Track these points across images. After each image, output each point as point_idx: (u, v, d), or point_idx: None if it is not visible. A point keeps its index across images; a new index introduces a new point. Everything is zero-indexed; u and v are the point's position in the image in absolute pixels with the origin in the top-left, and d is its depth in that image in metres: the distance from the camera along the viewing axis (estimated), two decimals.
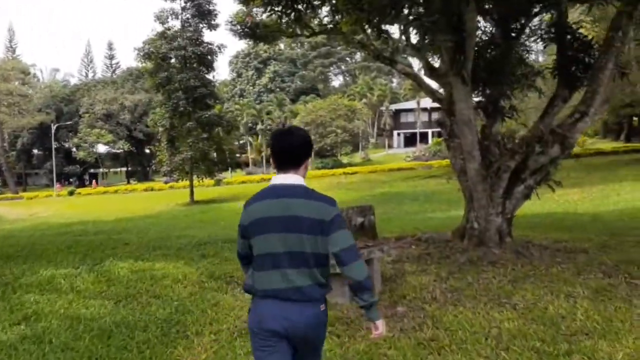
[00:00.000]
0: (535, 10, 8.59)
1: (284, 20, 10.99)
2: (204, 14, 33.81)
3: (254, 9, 12.01)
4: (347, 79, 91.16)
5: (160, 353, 4.66)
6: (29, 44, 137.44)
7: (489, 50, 8.76)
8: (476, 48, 8.07)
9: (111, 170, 74.32)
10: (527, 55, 9.52)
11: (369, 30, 10.69)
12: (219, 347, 4.74)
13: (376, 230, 9.42)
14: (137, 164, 74.02)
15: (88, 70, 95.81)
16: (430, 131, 62.53)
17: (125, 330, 5.19)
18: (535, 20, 9.31)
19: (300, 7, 10.04)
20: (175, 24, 34.22)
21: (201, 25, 34.10)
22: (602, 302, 5.45)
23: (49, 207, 39.74)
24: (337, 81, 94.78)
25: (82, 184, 68.26)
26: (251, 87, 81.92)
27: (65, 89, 79.02)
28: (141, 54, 33.13)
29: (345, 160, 54.47)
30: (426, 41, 7.84)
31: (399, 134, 68.96)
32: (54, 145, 60.98)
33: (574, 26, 8.52)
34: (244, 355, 4.52)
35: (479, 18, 8.45)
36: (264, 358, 2.71)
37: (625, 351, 4.26)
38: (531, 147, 7.89)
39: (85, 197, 49.01)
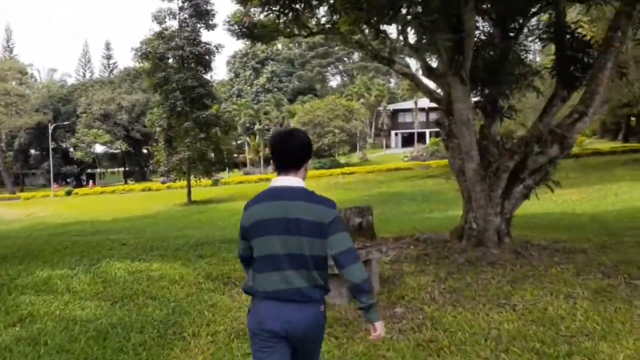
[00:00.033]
0: (534, 10, 8.57)
1: (281, 20, 10.95)
2: (202, 14, 33.72)
3: (252, 9, 11.96)
4: (345, 79, 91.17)
5: (157, 355, 4.62)
6: (27, 44, 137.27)
7: (487, 50, 8.72)
8: (475, 48, 8.03)
9: (108, 170, 74.21)
10: (525, 55, 9.50)
11: (366, 30, 10.67)
12: (216, 348, 4.69)
13: (374, 231, 9.39)
14: (135, 164, 73.91)
15: (85, 70, 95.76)
16: (427, 131, 62.56)
17: (121, 331, 5.14)
18: (534, 20, 9.30)
19: (298, 6, 10.00)
20: (173, 24, 34.18)
21: (199, 25, 34.02)
22: (602, 303, 5.42)
23: (46, 207, 39.65)
24: (334, 81, 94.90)
25: (79, 184, 68.12)
26: (249, 87, 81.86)
27: (62, 89, 78.86)
28: (139, 54, 33.05)
29: (342, 160, 54.44)
30: (424, 41, 7.81)
31: (396, 134, 68.98)
32: (51, 145, 60.84)
33: (572, 26, 8.49)
34: (241, 357, 4.48)
35: (478, 18, 8.42)
36: (264, 359, 2.71)
37: (626, 352, 4.23)
38: (530, 147, 7.86)
39: (82, 197, 48.90)
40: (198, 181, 36.09)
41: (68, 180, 70.64)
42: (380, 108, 69.44)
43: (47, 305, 6.06)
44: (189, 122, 32.72)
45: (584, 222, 12.23)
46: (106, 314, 5.73)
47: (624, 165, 28.68)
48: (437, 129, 9.73)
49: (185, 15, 33.83)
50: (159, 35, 33.40)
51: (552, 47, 9.14)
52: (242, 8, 12.28)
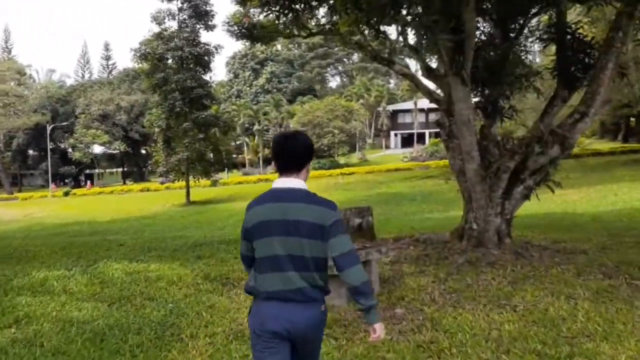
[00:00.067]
0: (534, 10, 8.53)
1: (281, 21, 10.91)
2: (201, 15, 33.72)
3: (251, 10, 11.92)
4: (345, 79, 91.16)
5: (154, 357, 4.57)
6: (25, 44, 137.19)
7: (488, 51, 8.68)
8: (475, 48, 7.99)
9: (107, 170, 74.11)
10: (525, 56, 9.47)
11: (366, 31, 10.62)
12: (214, 350, 4.64)
13: (374, 231, 9.34)
14: (133, 165, 73.84)
15: (84, 71, 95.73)
16: (427, 132, 62.56)
17: (118, 333, 5.10)
18: (534, 21, 9.26)
19: (297, 7, 9.95)
20: (172, 25, 34.21)
21: (198, 26, 34.01)
22: (603, 304, 5.37)
23: (43, 207, 39.57)
24: (334, 82, 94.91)
25: (77, 185, 67.98)
26: (248, 88, 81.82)
27: (61, 89, 78.72)
28: (138, 54, 33.04)
29: (342, 160, 54.39)
30: (424, 41, 7.76)
31: (396, 135, 68.96)
32: (50, 145, 60.75)
33: (573, 26, 8.45)
34: (239, 359, 4.43)
35: (478, 18, 8.38)
36: (264, 359, 2.73)
37: (628, 354, 4.19)
38: (531, 148, 7.82)
39: (80, 197, 48.83)
40: (197, 182, 36.07)
41: (66, 180, 70.53)
42: (380, 109, 69.41)
43: (44, 307, 6.01)
44: (188, 122, 32.71)
45: (584, 223, 12.18)
46: (103, 315, 5.68)
47: (623, 165, 28.68)
48: (436, 130, 9.70)
49: (185, 16, 33.83)
50: (158, 36, 33.38)
51: (553, 48, 9.11)
52: (241, 9, 12.24)
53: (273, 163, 2.89)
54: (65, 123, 66.09)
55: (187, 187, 34.80)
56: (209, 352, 4.61)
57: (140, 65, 35.86)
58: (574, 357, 4.18)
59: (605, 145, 43.35)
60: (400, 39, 10.23)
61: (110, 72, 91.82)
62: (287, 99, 73.04)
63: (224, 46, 72.92)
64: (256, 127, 66.05)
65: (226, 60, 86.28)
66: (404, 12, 7.81)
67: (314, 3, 10.10)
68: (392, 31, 10.16)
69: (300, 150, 2.79)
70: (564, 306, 5.34)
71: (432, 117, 56.03)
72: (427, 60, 10.06)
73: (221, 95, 70.81)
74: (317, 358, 2.93)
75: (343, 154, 57.35)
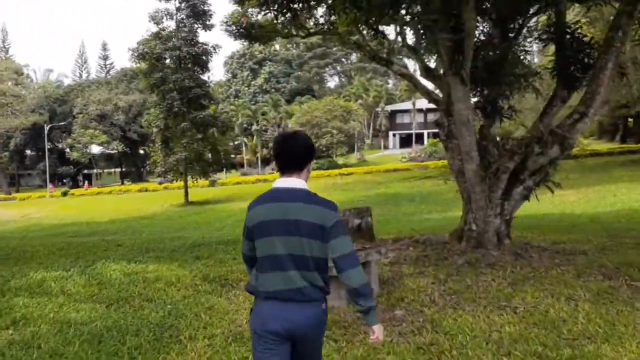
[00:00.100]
0: (533, 10, 8.52)
1: (279, 21, 10.88)
2: (199, 15, 33.66)
3: (249, 10, 11.91)
4: (343, 79, 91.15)
5: (153, 359, 4.53)
6: (23, 44, 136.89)
7: (487, 51, 8.66)
8: (474, 48, 7.97)
9: (105, 171, 73.96)
10: (524, 56, 9.44)
11: (365, 31, 10.61)
12: (213, 352, 4.61)
13: (373, 232, 9.32)
14: (131, 165, 73.72)
15: (82, 71, 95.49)
16: (425, 132, 62.55)
17: (116, 334, 5.05)
18: (533, 21, 9.24)
19: (296, 6, 9.92)
20: (170, 25, 34.15)
21: (196, 26, 33.96)
22: (604, 305, 5.35)
23: (41, 208, 39.49)
24: (332, 82, 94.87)
25: (75, 185, 67.87)
26: (246, 88, 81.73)
27: (58, 89, 78.53)
28: (135, 54, 32.96)
29: (340, 161, 54.34)
30: (424, 41, 7.74)
31: (394, 135, 68.93)
32: (47, 145, 60.60)
33: (572, 26, 8.44)
34: None
35: (477, 18, 8.35)
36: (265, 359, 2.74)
37: (630, 356, 4.17)
38: (530, 148, 7.80)
39: (78, 197, 48.73)
40: (195, 182, 36.00)
41: (64, 181, 70.41)
42: (378, 109, 69.36)
43: (41, 308, 5.97)
44: (186, 122, 32.65)
45: (583, 223, 12.17)
46: (101, 316, 5.64)
47: (621, 166, 28.70)
48: (435, 130, 9.68)
49: (183, 16, 33.77)
50: (156, 36, 33.33)
51: (551, 48, 9.09)
52: (239, 8, 12.22)
53: (274, 163, 2.91)
54: (63, 123, 65.94)
55: (186, 187, 34.73)
56: (207, 354, 4.57)
57: (138, 65, 35.77)
58: None
59: (603, 145, 43.38)
60: (399, 39, 10.22)
61: (108, 71, 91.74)
62: (285, 99, 72.98)
63: (222, 46, 72.70)
64: (254, 127, 65.98)
65: (224, 60, 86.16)
66: (403, 11, 7.79)
67: (312, 2, 10.07)
68: (390, 31, 10.17)
69: (301, 150, 2.81)
70: (564, 308, 5.32)
71: (431, 117, 55.98)
72: (426, 60, 10.04)
73: (219, 95, 70.74)
74: (319, 359, 2.93)
75: (341, 154, 57.30)
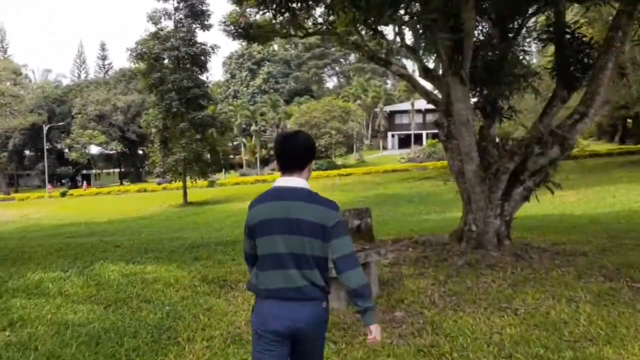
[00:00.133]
0: (532, 10, 8.49)
1: (278, 20, 10.84)
2: (197, 14, 33.61)
3: (248, 9, 11.86)
4: (342, 80, 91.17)
5: None
6: (22, 44, 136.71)
7: (486, 51, 8.63)
8: (474, 48, 7.94)
9: (104, 171, 73.88)
10: (523, 56, 9.42)
11: (363, 31, 10.56)
12: (211, 354, 4.57)
13: (373, 233, 9.27)
14: (130, 165, 73.62)
15: (80, 71, 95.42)
16: (424, 133, 62.54)
17: (114, 336, 5.01)
18: (532, 21, 9.21)
19: (294, 5, 9.88)
20: (168, 24, 34.07)
21: (194, 26, 33.90)
22: (605, 307, 5.32)
23: (40, 208, 39.41)
24: (331, 82, 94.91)
25: (74, 185, 67.76)
26: (245, 88, 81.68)
27: (57, 89, 78.41)
28: (134, 54, 32.88)
29: (339, 161, 54.30)
30: (424, 40, 7.71)
31: (393, 136, 68.91)
32: (46, 146, 60.48)
33: (572, 26, 8.41)
34: None
35: (477, 18, 8.32)
36: None
37: (632, 359, 4.14)
38: (530, 149, 7.77)
39: (77, 198, 48.63)
40: (194, 182, 35.93)
41: (63, 181, 70.29)
42: (377, 109, 69.34)
43: (39, 309, 5.92)
44: (185, 122, 32.59)
45: (583, 224, 12.15)
46: (99, 318, 5.60)
47: (620, 167, 28.71)
48: (434, 131, 9.64)
49: (181, 16, 33.72)
50: (155, 36, 33.26)
51: (550, 49, 9.06)
52: (238, 8, 12.17)
53: (275, 162, 2.91)
54: (61, 123, 65.83)
55: (184, 187, 34.67)
56: (206, 356, 4.53)
57: (136, 65, 35.67)
58: None
59: (602, 146, 43.39)
60: (398, 39, 10.19)
61: (106, 72, 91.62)
62: (284, 100, 72.95)
63: (220, 46, 72.63)
64: (253, 127, 65.94)
65: (223, 61, 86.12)
66: (402, 11, 7.75)
67: (310, 2, 10.03)
68: (389, 31, 10.14)
69: (302, 150, 2.82)
70: (565, 309, 5.29)
71: (430, 118, 55.99)
72: (425, 60, 10.01)
73: (218, 96, 70.64)
74: (321, 358, 2.94)
75: (340, 154, 57.29)
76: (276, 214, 2.72)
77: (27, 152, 72.99)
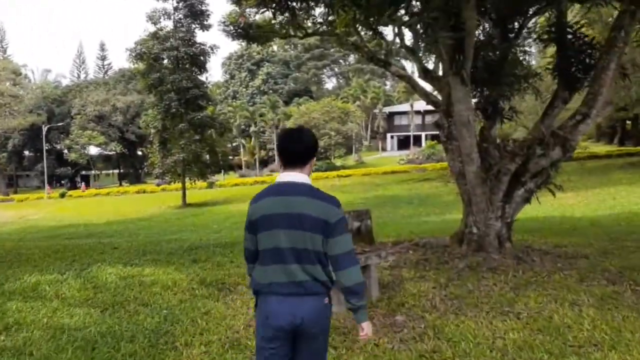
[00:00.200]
0: (533, 10, 8.42)
1: (277, 20, 10.78)
2: (197, 15, 33.56)
3: (247, 10, 11.79)
4: (341, 81, 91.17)
5: None
6: (21, 44, 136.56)
7: (487, 51, 8.56)
8: (475, 48, 7.86)
9: (103, 172, 73.82)
10: (524, 57, 9.35)
11: (363, 32, 10.50)
12: (209, 359, 4.49)
13: (373, 235, 9.19)
14: (129, 166, 73.56)
15: (80, 71, 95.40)
16: (423, 134, 62.54)
17: (110, 341, 4.93)
18: (533, 21, 9.14)
19: (294, 4, 9.82)
20: (168, 25, 34.04)
21: (194, 26, 33.86)
22: (609, 311, 5.24)
23: (39, 209, 39.32)
24: (330, 83, 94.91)
25: (73, 186, 67.66)
26: (244, 89, 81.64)
27: (56, 90, 78.34)
28: (133, 54, 32.84)
29: (338, 162, 54.27)
30: (425, 40, 7.63)
31: (392, 137, 68.89)
32: (45, 146, 60.39)
33: (574, 26, 8.34)
34: None
35: (478, 17, 8.25)
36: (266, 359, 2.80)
37: None
38: (532, 150, 7.69)
39: (76, 199, 48.54)
40: (193, 183, 35.86)
41: (62, 182, 70.19)
42: (376, 110, 69.33)
43: (35, 313, 5.84)
44: (184, 123, 32.53)
45: (584, 227, 12.08)
46: (95, 322, 5.51)
47: (620, 168, 28.67)
48: (433, 132, 9.57)
49: (180, 16, 33.67)
50: (154, 36, 33.21)
51: (550, 50, 8.99)
52: (237, 8, 12.11)
53: (278, 157, 2.93)
54: (61, 124, 65.78)
55: (183, 189, 34.60)
56: None
57: (135, 65, 35.64)
58: None
59: (601, 148, 43.39)
60: (397, 40, 10.12)
61: (106, 72, 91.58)
62: (283, 100, 72.90)
63: (219, 46, 72.44)
64: (252, 128, 65.91)
65: (222, 61, 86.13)
66: (402, 11, 7.68)
67: (310, 1, 9.96)
68: (388, 32, 10.08)
69: (304, 146, 2.85)
70: (568, 313, 5.21)
71: (429, 119, 55.97)
72: (424, 61, 9.95)
73: (217, 96, 70.55)
74: (325, 358, 2.94)
75: (339, 156, 57.25)
76: (278, 209, 2.74)
77: (26, 153, 72.92)
